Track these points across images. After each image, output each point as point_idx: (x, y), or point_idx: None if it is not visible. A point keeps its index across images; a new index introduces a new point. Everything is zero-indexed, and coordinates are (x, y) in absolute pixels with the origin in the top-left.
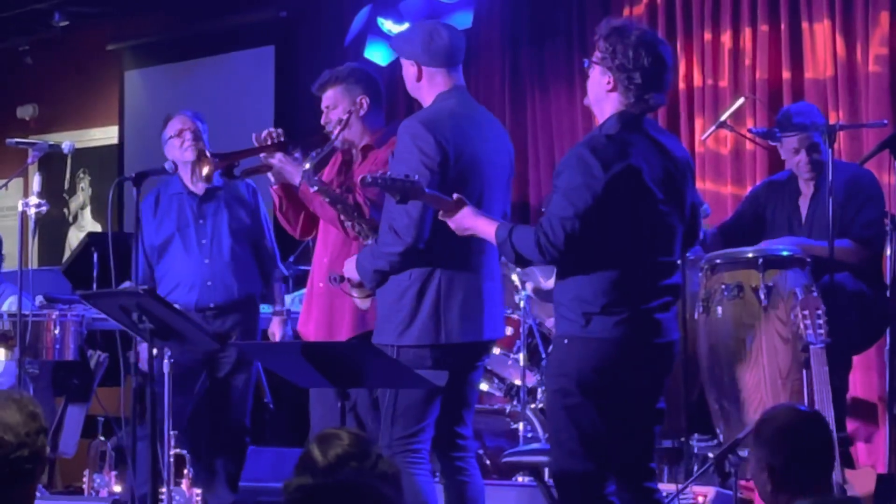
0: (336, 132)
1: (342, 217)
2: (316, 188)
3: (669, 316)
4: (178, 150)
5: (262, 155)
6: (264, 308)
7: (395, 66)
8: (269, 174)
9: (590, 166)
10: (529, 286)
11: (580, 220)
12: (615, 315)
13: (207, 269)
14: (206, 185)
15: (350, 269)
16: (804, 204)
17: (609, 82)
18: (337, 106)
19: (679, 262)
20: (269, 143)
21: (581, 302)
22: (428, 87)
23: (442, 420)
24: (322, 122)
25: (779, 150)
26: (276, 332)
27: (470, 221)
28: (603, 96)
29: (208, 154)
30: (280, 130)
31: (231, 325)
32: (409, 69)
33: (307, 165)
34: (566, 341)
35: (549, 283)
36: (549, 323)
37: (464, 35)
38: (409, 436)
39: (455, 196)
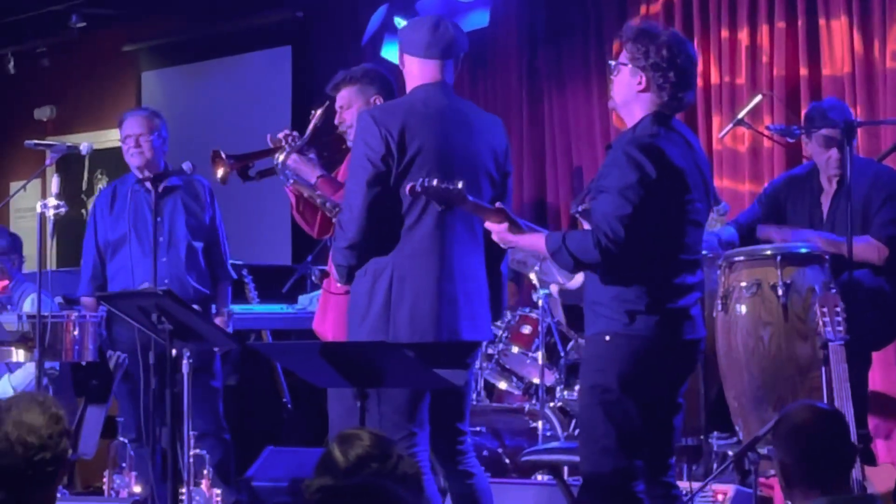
0: (312, 121)
1: (324, 210)
2: (292, 182)
3: (699, 313)
4: (126, 154)
5: (277, 155)
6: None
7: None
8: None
9: (642, 165)
10: (554, 287)
11: (637, 218)
12: (657, 313)
13: (164, 267)
14: (163, 183)
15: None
16: (826, 201)
17: (641, 82)
18: (351, 106)
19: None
20: (283, 144)
21: (623, 301)
22: (409, 78)
23: (438, 428)
24: (336, 122)
25: (803, 146)
26: None
27: (511, 236)
28: (633, 97)
29: (223, 156)
30: (296, 133)
31: None
32: (400, 59)
33: (280, 158)
34: (608, 338)
35: (575, 283)
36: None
37: (450, 27)
38: (402, 439)
39: (497, 205)
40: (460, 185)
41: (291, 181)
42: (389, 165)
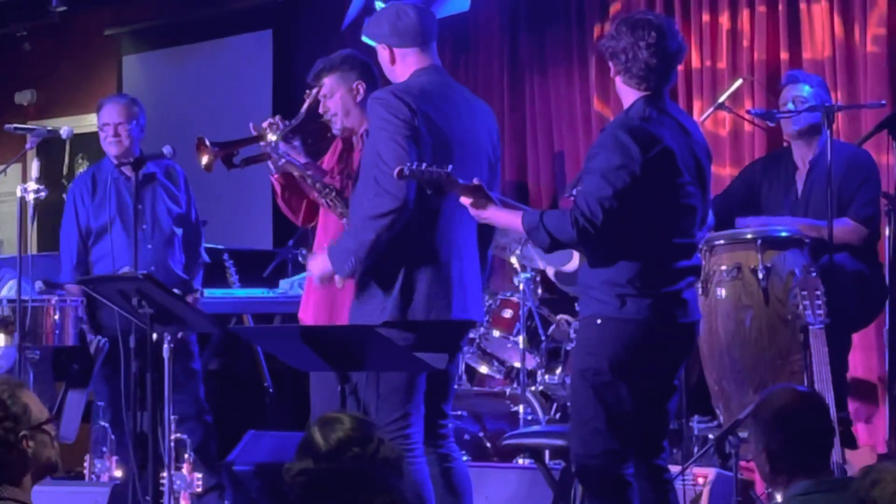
0: (305, 103)
1: (316, 191)
2: (283, 161)
3: (694, 296)
4: (103, 142)
5: (261, 143)
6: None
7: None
8: (269, 162)
9: (628, 148)
10: (550, 270)
11: (618, 199)
12: (648, 297)
13: (150, 253)
14: (142, 171)
15: (319, 266)
16: (800, 179)
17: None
18: (334, 94)
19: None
20: (267, 131)
21: (614, 284)
22: (402, 68)
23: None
24: (320, 110)
25: (783, 129)
26: None
27: (488, 212)
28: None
29: (207, 143)
30: (279, 118)
31: None
32: (382, 53)
33: (272, 138)
34: (599, 321)
35: (571, 266)
36: None
37: (434, 15)
38: (398, 419)
39: (475, 181)
40: (449, 168)
41: (283, 161)
42: (419, 141)
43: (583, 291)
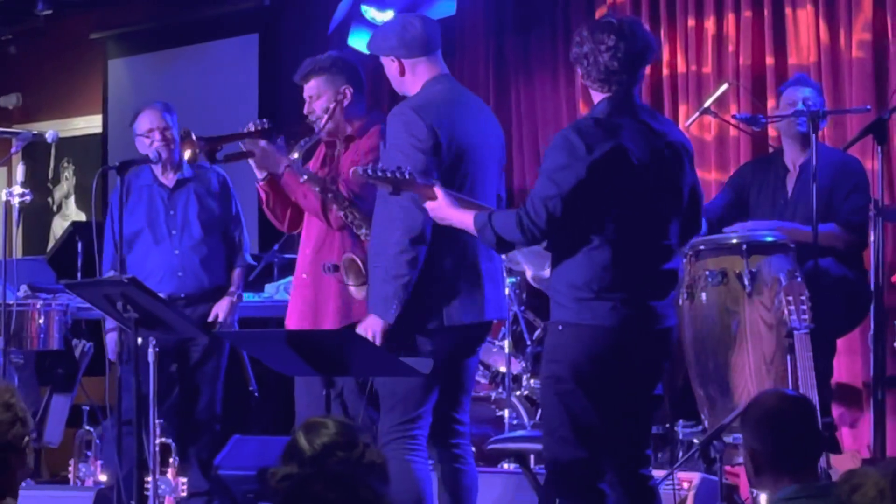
0: (323, 122)
1: (334, 206)
2: (305, 177)
3: (665, 302)
4: (148, 148)
5: (245, 142)
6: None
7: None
8: (252, 162)
9: (574, 147)
10: (529, 274)
11: (563, 200)
12: (608, 301)
13: (178, 259)
14: (176, 177)
15: (371, 328)
16: (790, 182)
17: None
18: (321, 96)
19: (676, 247)
20: (254, 129)
21: (573, 288)
22: (412, 79)
23: (440, 406)
24: (305, 111)
25: (770, 132)
26: (220, 311)
27: (443, 212)
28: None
29: (193, 137)
30: (265, 120)
31: (201, 315)
32: (390, 66)
33: (295, 155)
34: (560, 327)
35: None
36: None
37: (438, 23)
38: (408, 421)
39: (431, 182)
40: (409, 169)
41: (304, 177)
42: (437, 156)
43: (551, 296)
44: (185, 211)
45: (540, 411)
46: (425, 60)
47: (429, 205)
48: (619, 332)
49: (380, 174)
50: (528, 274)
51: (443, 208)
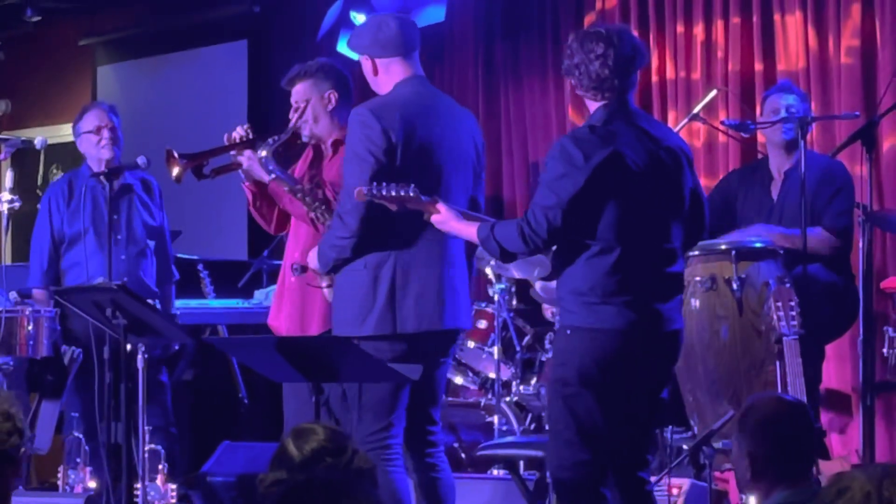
0: (293, 120)
1: (305, 205)
2: (273, 176)
3: (671, 305)
4: (95, 146)
5: (234, 153)
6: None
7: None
8: (241, 171)
9: (572, 156)
10: (538, 284)
11: (562, 209)
12: (614, 305)
13: (124, 264)
14: (120, 181)
15: (312, 258)
16: (775, 189)
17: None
18: (307, 100)
19: (679, 250)
20: (237, 140)
21: (579, 293)
22: (385, 78)
23: (411, 415)
24: (290, 116)
25: (759, 137)
26: None
27: (448, 226)
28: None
29: (176, 155)
30: (247, 126)
31: None
32: (365, 64)
33: (262, 153)
34: (568, 332)
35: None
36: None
37: (416, 25)
38: (380, 430)
39: (433, 197)
40: (411, 188)
41: (273, 176)
42: (391, 159)
43: (557, 303)
44: (129, 215)
45: (531, 415)
46: (399, 61)
47: (434, 218)
48: (626, 334)
49: (384, 193)
50: (537, 286)
51: (448, 222)
